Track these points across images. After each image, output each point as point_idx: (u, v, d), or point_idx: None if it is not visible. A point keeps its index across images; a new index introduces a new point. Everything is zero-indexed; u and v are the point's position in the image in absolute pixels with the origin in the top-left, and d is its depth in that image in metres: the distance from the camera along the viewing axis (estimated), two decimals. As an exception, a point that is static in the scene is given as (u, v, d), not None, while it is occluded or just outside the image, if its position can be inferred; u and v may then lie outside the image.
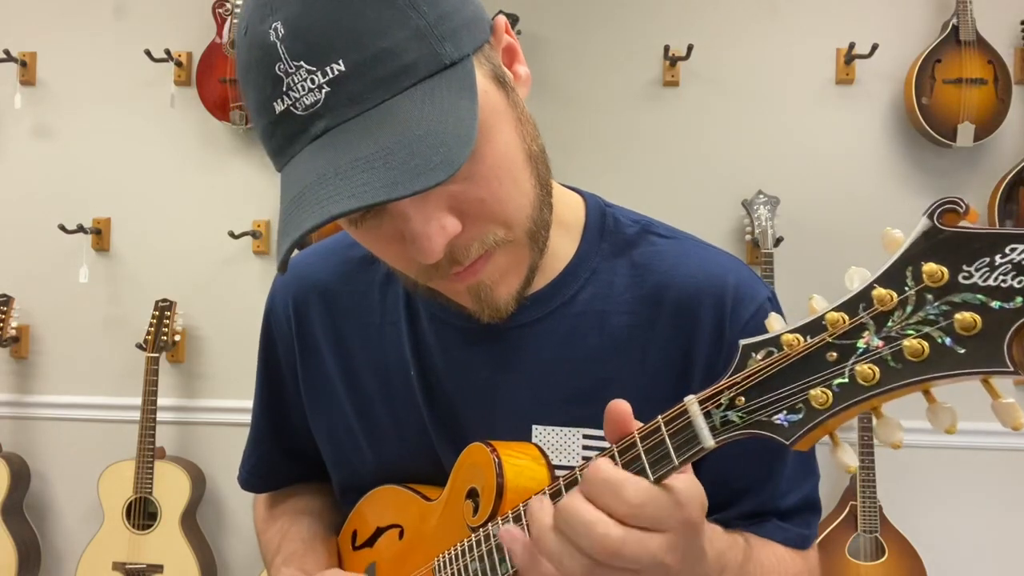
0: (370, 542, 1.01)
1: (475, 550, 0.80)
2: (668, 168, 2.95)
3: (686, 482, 0.63)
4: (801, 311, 0.57)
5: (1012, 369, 0.47)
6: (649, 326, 0.90)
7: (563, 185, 0.96)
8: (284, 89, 0.67)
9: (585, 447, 0.89)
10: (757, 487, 0.91)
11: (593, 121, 2.96)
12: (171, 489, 2.82)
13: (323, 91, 0.66)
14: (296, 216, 0.66)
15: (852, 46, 2.81)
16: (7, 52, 3.06)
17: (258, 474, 1.16)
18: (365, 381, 0.98)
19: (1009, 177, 2.76)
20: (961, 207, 0.50)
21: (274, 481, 1.18)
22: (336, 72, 0.65)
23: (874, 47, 2.75)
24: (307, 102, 0.67)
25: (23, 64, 3.10)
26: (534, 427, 0.90)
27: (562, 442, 0.90)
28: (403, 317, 0.96)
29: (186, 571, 2.78)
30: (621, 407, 0.66)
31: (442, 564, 0.86)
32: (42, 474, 3.10)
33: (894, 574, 2.61)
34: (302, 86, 0.66)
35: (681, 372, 0.89)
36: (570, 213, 0.94)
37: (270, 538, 1.11)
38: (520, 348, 0.91)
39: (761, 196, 2.77)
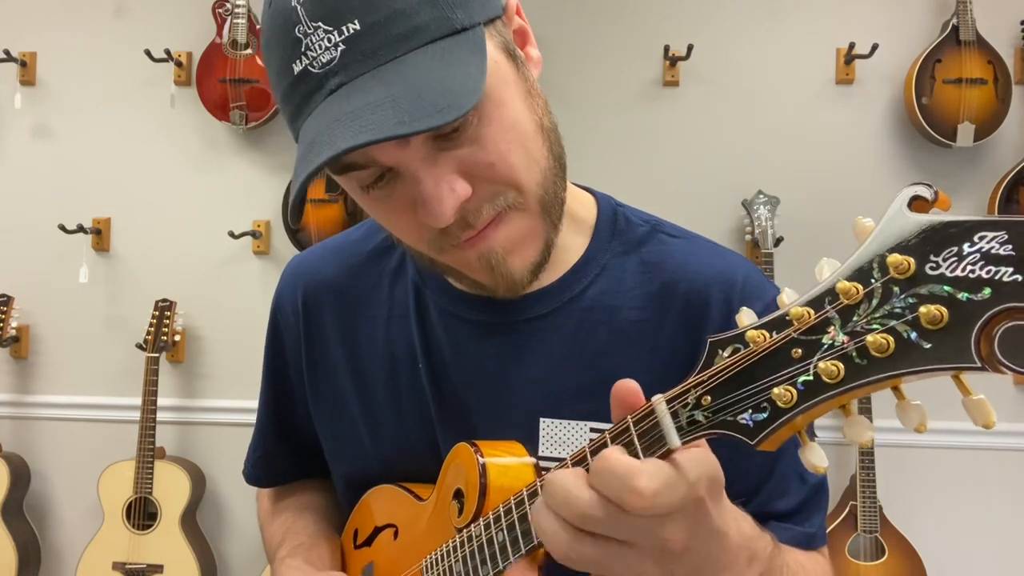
0: (368, 541, 1.01)
1: (459, 551, 0.80)
2: (668, 168, 2.95)
3: (693, 457, 0.60)
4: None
5: (980, 365, 0.45)
6: (658, 322, 0.90)
7: (574, 184, 0.97)
8: (303, 50, 0.71)
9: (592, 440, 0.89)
10: (756, 490, 0.90)
11: (593, 121, 2.96)
12: (171, 489, 2.82)
13: (339, 49, 0.69)
14: (308, 158, 0.69)
15: (852, 46, 2.81)
16: (7, 52, 3.06)
17: (262, 468, 1.17)
18: (371, 373, 0.99)
19: (1009, 177, 2.75)
20: (931, 194, 0.48)
21: (278, 476, 1.19)
22: (352, 31, 0.69)
23: (874, 47, 2.75)
24: (324, 60, 0.70)
25: (23, 64, 3.10)
26: (542, 420, 0.90)
27: (569, 435, 0.90)
28: (412, 310, 0.96)
29: (186, 571, 2.78)
30: (629, 386, 0.65)
31: (429, 564, 0.86)
32: (42, 474, 3.10)
33: (894, 574, 2.61)
34: (319, 45, 0.70)
35: (689, 368, 0.89)
36: (582, 210, 0.95)
37: (274, 531, 1.11)
38: (529, 342, 0.91)
39: (761, 196, 2.77)
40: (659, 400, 0.61)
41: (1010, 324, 0.44)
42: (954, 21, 2.76)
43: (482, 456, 0.81)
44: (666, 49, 2.89)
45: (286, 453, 1.15)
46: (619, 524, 0.58)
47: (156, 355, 2.84)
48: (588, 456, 0.65)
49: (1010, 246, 0.44)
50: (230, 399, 3.04)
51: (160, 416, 2.84)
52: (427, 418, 0.95)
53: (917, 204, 0.49)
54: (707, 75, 2.94)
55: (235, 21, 2.93)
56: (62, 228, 2.98)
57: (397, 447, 0.98)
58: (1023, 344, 0.43)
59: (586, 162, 2.90)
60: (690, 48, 2.83)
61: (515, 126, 0.76)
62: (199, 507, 2.96)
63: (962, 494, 2.82)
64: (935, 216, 0.48)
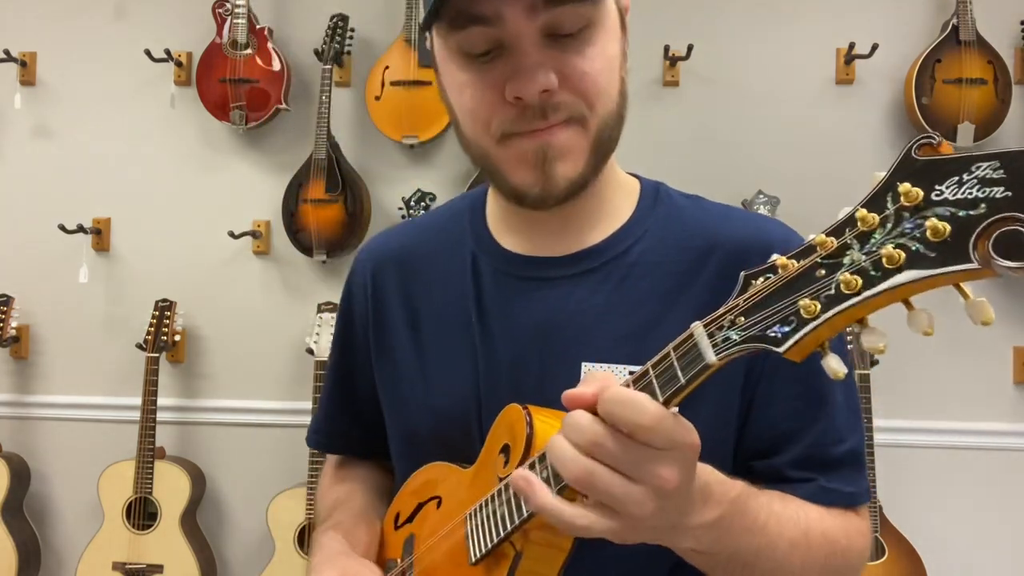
0: (410, 519, 1.04)
1: (503, 495, 0.83)
2: (668, 168, 2.91)
3: (688, 422, 0.69)
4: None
5: (977, 265, 0.51)
6: (698, 274, 0.96)
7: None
8: None
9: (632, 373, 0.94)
10: (806, 429, 0.94)
11: (593, 121, 2.96)
12: (171, 489, 2.82)
13: None
14: None
15: (852, 46, 2.82)
16: (7, 52, 3.07)
17: (323, 433, 1.25)
18: (428, 329, 1.06)
19: (1009, 176, 2.75)
20: (935, 140, 0.56)
21: (336, 442, 1.27)
22: None
23: (874, 47, 2.76)
24: None
25: (23, 64, 3.11)
26: (583, 364, 0.94)
27: None
28: (469, 271, 1.04)
29: (186, 571, 2.78)
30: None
31: (473, 512, 0.89)
32: (42, 474, 3.09)
33: (894, 574, 2.60)
34: None
35: None
36: (628, 183, 1.07)
37: (327, 502, 1.19)
38: (574, 293, 0.98)
39: (761, 196, 2.77)
40: (697, 325, 0.67)
41: (1003, 229, 0.51)
42: (954, 21, 2.76)
43: (529, 414, 0.85)
44: (666, 49, 2.90)
45: (345, 421, 1.22)
46: (624, 453, 0.66)
47: (156, 355, 2.85)
48: (631, 385, 0.71)
49: (1002, 171, 0.52)
50: (230, 399, 3.04)
51: (160, 416, 2.84)
52: (475, 370, 1.00)
53: (924, 149, 0.56)
54: (707, 75, 2.94)
55: (235, 21, 2.93)
56: (62, 228, 2.99)
57: (444, 399, 1.03)
58: (1014, 245, 0.51)
59: (586, 162, 2.90)
60: (690, 48, 2.83)
61: (609, 57, 0.87)
62: (199, 507, 2.96)
63: (962, 494, 2.81)
64: (941, 156, 0.55)
